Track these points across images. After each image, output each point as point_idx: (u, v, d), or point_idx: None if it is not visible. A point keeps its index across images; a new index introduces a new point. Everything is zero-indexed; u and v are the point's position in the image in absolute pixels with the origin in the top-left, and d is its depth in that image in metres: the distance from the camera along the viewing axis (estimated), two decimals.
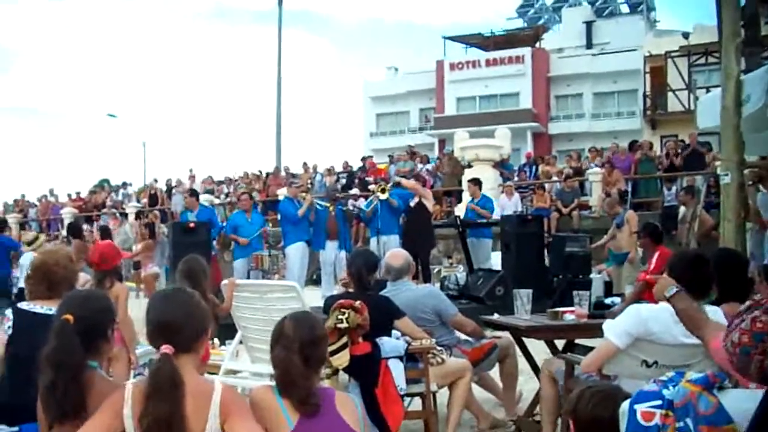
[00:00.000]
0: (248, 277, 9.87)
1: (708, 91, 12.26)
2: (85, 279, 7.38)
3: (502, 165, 17.24)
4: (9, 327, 3.18)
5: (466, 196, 15.11)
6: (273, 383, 2.50)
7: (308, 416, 2.32)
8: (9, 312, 3.25)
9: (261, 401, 2.35)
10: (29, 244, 10.05)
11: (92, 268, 4.83)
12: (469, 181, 12.94)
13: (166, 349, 2.12)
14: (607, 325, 3.30)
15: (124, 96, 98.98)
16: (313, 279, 12.57)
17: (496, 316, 5.09)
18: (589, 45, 37.54)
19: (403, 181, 10.85)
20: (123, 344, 4.57)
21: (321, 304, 9.04)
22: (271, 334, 2.54)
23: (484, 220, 11.39)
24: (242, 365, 5.06)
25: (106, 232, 12.51)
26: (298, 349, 2.41)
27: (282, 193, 16.66)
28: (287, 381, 2.37)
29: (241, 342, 5.09)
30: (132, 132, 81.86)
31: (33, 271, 3.44)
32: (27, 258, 9.77)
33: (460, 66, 37.34)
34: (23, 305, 3.29)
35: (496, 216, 12.25)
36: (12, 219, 23.87)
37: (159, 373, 2.08)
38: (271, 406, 2.33)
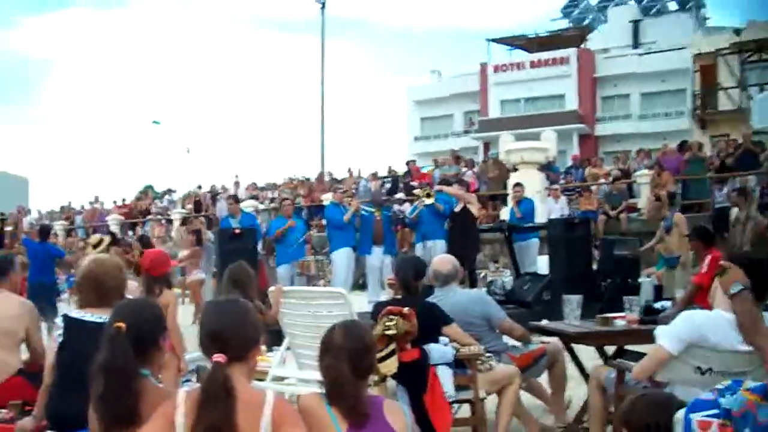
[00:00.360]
0: (293, 283, 9.95)
1: (762, 89, 11.95)
2: (134, 286, 7.52)
3: (548, 168, 17.07)
4: (59, 335, 3.22)
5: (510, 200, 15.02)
6: (321, 390, 2.51)
7: (357, 425, 2.32)
8: (59, 320, 3.29)
9: (310, 409, 2.36)
10: (95, 247, 10.24)
11: (142, 275, 4.85)
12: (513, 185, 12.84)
13: (218, 357, 2.13)
14: (660, 331, 3.24)
15: (168, 103, 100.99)
16: (359, 284, 12.60)
17: (545, 322, 5.04)
18: (636, 44, 36.92)
19: (445, 188, 10.83)
20: (172, 351, 4.60)
21: (367, 309, 9.10)
22: (320, 343, 2.55)
23: (530, 224, 11.28)
24: (289, 372, 5.07)
25: (145, 241, 12.58)
26: (347, 358, 2.42)
27: (327, 198, 16.78)
28: (336, 390, 2.38)
29: (288, 348, 5.11)
30: (176, 139, 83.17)
31: (83, 280, 3.45)
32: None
33: (504, 68, 37.09)
34: (73, 313, 3.32)
35: (542, 220, 12.13)
36: (59, 226, 24.53)
37: (211, 381, 2.09)
38: (320, 414, 2.34)
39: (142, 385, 2.31)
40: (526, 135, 22.11)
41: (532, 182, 14.92)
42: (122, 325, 2.32)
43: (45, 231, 10.99)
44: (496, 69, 37.09)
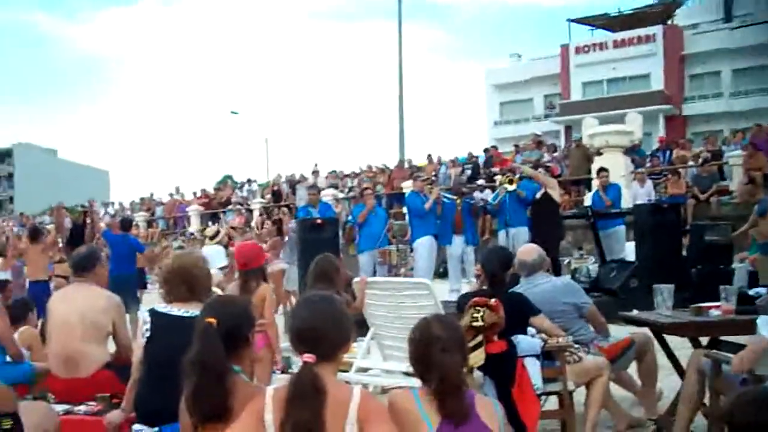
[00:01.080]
0: (374, 272, 10.03)
1: None
2: (218, 279, 7.67)
3: (633, 151, 16.59)
4: (147, 330, 3.27)
5: (595, 185, 14.65)
6: (407, 383, 2.49)
7: (458, 422, 2.29)
8: (146, 315, 3.34)
9: (400, 406, 2.33)
10: (212, 238, 10.56)
11: (238, 268, 4.85)
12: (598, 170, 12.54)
13: (308, 358, 2.13)
14: (763, 320, 3.10)
15: (246, 93, 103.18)
16: (440, 272, 12.59)
17: (635, 312, 4.91)
18: (728, 18, 35.22)
19: (526, 169, 10.65)
20: (268, 346, 4.63)
21: (448, 298, 9.10)
22: (417, 337, 2.46)
23: (616, 210, 10.99)
24: (374, 363, 5.10)
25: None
26: (457, 349, 2.38)
27: (407, 186, 16.79)
28: (449, 385, 2.32)
29: (372, 339, 5.15)
30: (254, 128, 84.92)
31: (171, 275, 3.47)
32: (208, 251, 10.32)
33: (586, 49, 36.17)
34: (160, 308, 3.36)
35: (627, 205, 11.80)
36: (140, 217, 25.25)
37: (300, 381, 2.10)
38: (411, 410, 2.31)
39: (233, 381, 2.32)
40: (610, 118, 21.56)
41: (616, 166, 14.54)
42: (213, 320, 2.34)
43: (127, 223, 11.40)
44: (578, 50, 36.22)
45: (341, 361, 2.32)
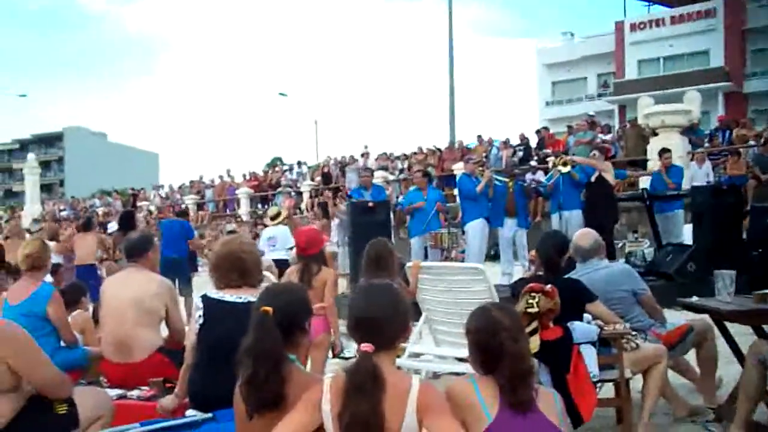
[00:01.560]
0: (426, 255, 9.98)
1: None
2: (268, 263, 7.70)
3: (691, 131, 16.12)
4: (200, 316, 3.28)
5: (651, 167, 14.31)
6: (461, 370, 2.47)
7: (511, 411, 2.27)
8: (198, 301, 3.36)
9: (459, 395, 2.32)
10: (273, 218, 10.66)
11: (298, 253, 4.85)
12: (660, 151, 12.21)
13: (366, 347, 2.14)
14: None
15: (294, 75, 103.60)
16: (491, 255, 12.50)
17: (695, 299, 4.79)
18: None
19: (576, 158, 10.48)
20: (328, 330, 4.64)
21: (500, 281, 9.02)
22: (480, 326, 2.42)
23: (673, 193, 10.72)
24: (426, 348, 5.09)
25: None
26: (523, 336, 2.37)
27: (458, 168, 16.69)
28: (521, 372, 2.30)
29: (425, 324, 5.13)
30: (303, 110, 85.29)
31: (221, 261, 3.46)
32: (270, 232, 10.39)
33: (641, 26, 35.27)
34: (213, 294, 3.36)
35: (685, 187, 11.50)
36: (190, 200, 25.56)
37: (359, 370, 2.10)
38: (470, 399, 2.30)
39: (289, 369, 2.32)
40: (666, 96, 20.98)
41: (673, 147, 14.15)
42: (269, 309, 2.34)
43: (183, 213, 11.64)
44: (633, 27, 35.33)
45: (398, 350, 2.31)
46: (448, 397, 2.32)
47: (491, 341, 2.36)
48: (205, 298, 3.32)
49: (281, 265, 8.38)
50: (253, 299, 3.26)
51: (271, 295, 2.47)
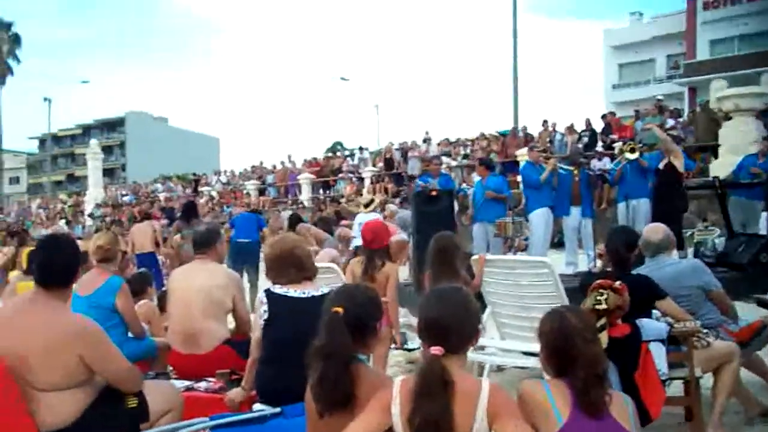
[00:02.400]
0: (488, 244, 9.88)
1: None
2: (330, 256, 7.69)
3: (766, 115, 15.49)
4: (264, 311, 3.33)
5: (723, 152, 13.87)
6: (526, 365, 2.46)
7: (583, 415, 2.26)
8: (263, 296, 3.40)
9: (531, 398, 2.32)
10: (366, 206, 10.73)
11: (363, 246, 4.87)
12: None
13: (436, 350, 2.14)
14: None
15: (355, 59, 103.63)
16: (554, 242, 12.33)
17: None
18: None
19: (654, 128, 10.13)
20: (388, 324, 4.63)
21: (564, 270, 8.88)
22: (553, 329, 2.43)
23: (746, 180, 10.34)
24: (491, 341, 5.08)
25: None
26: (596, 339, 2.36)
27: (521, 154, 16.47)
28: (596, 376, 2.30)
29: (490, 317, 5.11)
30: (364, 95, 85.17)
31: (276, 260, 3.51)
32: (363, 219, 10.48)
33: (715, 4, 33.85)
34: (277, 289, 3.40)
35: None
36: (251, 186, 25.78)
37: (429, 374, 2.11)
38: (541, 402, 2.30)
39: (358, 370, 2.34)
40: (741, 78, 20.21)
41: (747, 132, 13.69)
42: (340, 309, 2.36)
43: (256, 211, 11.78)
44: (706, 5, 33.96)
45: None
46: (519, 399, 2.32)
47: (563, 344, 2.37)
48: (269, 293, 3.38)
49: None
50: (316, 293, 3.38)
51: (342, 295, 2.50)
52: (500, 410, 2.11)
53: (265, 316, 3.32)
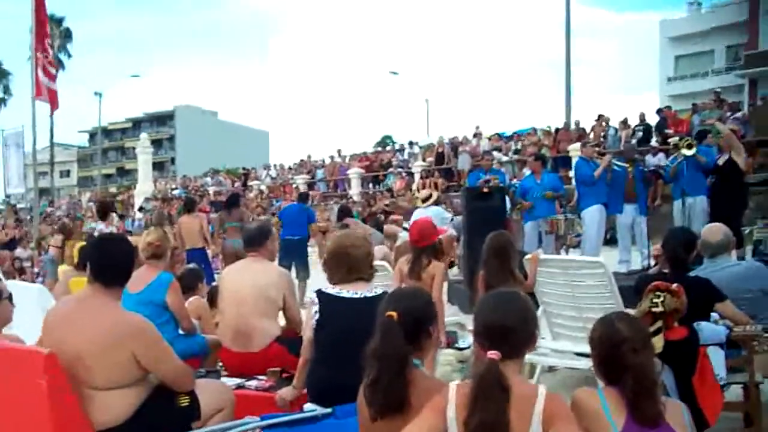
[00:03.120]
0: (540, 241, 9.77)
1: None
2: (381, 253, 7.65)
3: None
4: (316, 312, 3.32)
5: None
6: (579, 365, 2.43)
7: (638, 424, 2.24)
8: (314, 296, 3.39)
9: (585, 406, 2.30)
10: (424, 201, 10.74)
11: (411, 244, 4.84)
12: None
13: (493, 355, 2.13)
14: None
15: (405, 53, 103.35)
16: (606, 239, 12.11)
17: None
18: None
19: (719, 124, 9.80)
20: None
21: (617, 268, 8.70)
22: (602, 337, 2.42)
23: None
24: (543, 341, 5.01)
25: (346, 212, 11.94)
26: (647, 349, 2.34)
27: (574, 149, 16.21)
28: (646, 386, 2.28)
29: (542, 317, 5.05)
30: (414, 89, 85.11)
31: (331, 257, 3.50)
32: (421, 214, 10.47)
33: None
34: (329, 289, 3.40)
35: None
36: (300, 180, 25.76)
37: (485, 378, 2.10)
38: (595, 410, 2.28)
39: (413, 374, 2.33)
40: None
41: None
42: (394, 314, 2.35)
43: (305, 196, 11.84)
44: None
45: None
46: (574, 407, 2.31)
47: (612, 353, 2.35)
48: (320, 294, 3.39)
49: None
50: (369, 294, 3.36)
51: (397, 299, 2.49)
52: (556, 416, 2.09)
53: (317, 317, 3.33)
